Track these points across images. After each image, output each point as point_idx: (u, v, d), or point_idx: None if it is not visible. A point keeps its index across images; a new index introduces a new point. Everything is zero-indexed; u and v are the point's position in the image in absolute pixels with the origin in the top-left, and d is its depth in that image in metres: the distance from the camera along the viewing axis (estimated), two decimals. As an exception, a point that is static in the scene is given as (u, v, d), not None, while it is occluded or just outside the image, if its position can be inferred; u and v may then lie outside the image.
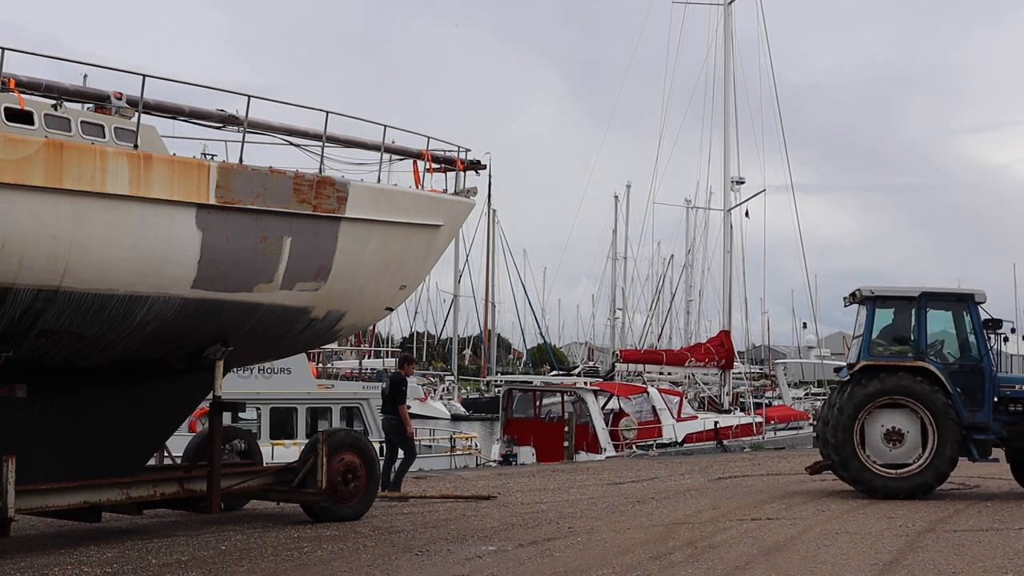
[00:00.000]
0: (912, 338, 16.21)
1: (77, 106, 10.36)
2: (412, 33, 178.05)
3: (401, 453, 15.91)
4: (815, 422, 17.96)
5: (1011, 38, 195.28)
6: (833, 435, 15.77)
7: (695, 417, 30.16)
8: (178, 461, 13.06)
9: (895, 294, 16.57)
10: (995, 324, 16.36)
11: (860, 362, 16.05)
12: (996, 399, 16.14)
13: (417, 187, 13.20)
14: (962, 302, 16.41)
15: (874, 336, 16.36)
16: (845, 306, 17.39)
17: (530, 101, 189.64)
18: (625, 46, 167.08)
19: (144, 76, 10.32)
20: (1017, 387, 16.42)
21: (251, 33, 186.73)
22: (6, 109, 9.50)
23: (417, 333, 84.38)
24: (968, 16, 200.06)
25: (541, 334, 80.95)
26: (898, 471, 15.65)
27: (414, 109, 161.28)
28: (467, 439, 27.92)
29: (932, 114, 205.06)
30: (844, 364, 17.51)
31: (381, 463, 15.89)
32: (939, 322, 16.56)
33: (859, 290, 16.70)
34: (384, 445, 16.74)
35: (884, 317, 16.54)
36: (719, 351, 33.04)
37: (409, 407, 16.29)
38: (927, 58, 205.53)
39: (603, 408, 27.65)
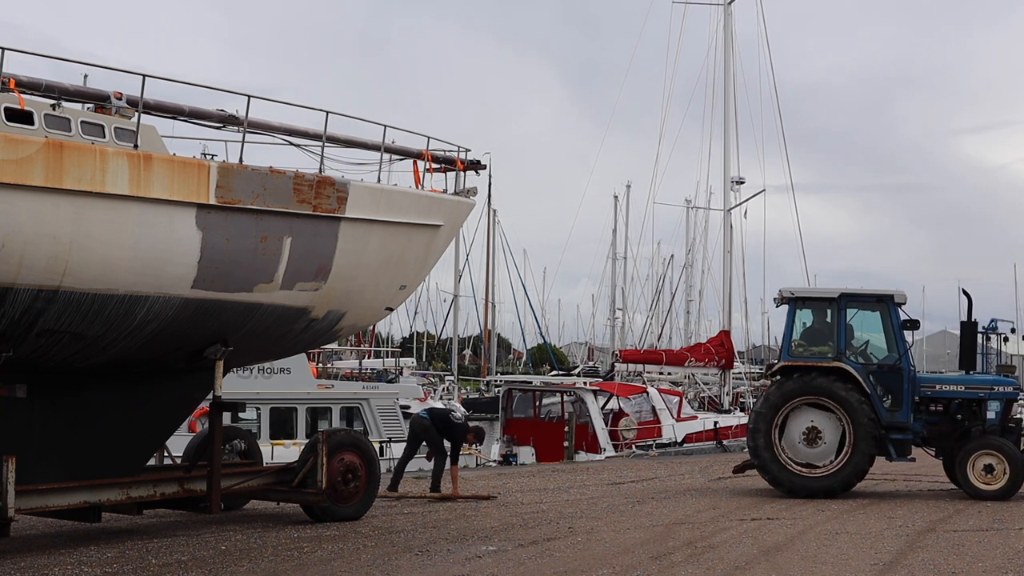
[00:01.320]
0: (832, 339, 16.39)
1: (77, 106, 10.35)
2: (412, 33, 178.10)
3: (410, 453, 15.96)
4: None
5: (1011, 38, 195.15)
6: (753, 434, 15.87)
7: (695, 417, 30.18)
8: (178, 461, 13.06)
9: (815, 295, 16.88)
10: (912, 325, 16.59)
11: (780, 362, 16.22)
12: (917, 399, 16.34)
13: (417, 187, 13.20)
14: (882, 303, 16.63)
15: (797, 337, 16.57)
16: (776, 307, 17.61)
17: (530, 101, 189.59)
18: (625, 46, 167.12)
19: (144, 76, 10.32)
20: (938, 387, 16.63)
21: (251, 33, 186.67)
22: (6, 109, 9.49)
23: (417, 333, 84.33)
24: (968, 16, 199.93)
25: (541, 334, 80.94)
26: (816, 470, 15.80)
27: (414, 109, 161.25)
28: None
29: (932, 114, 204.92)
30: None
31: (394, 463, 16.00)
32: (861, 323, 16.78)
33: (780, 291, 16.92)
34: (405, 445, 16.66)
35: (807, 318, 16.75)
36: (719, 351, 33.05)
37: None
38: (927, 58, 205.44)
39: (603, 408, 27.65)
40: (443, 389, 63.62)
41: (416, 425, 15.90)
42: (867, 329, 16.73)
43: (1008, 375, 19.69)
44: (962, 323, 17.27)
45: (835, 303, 16.41)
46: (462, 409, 16.10)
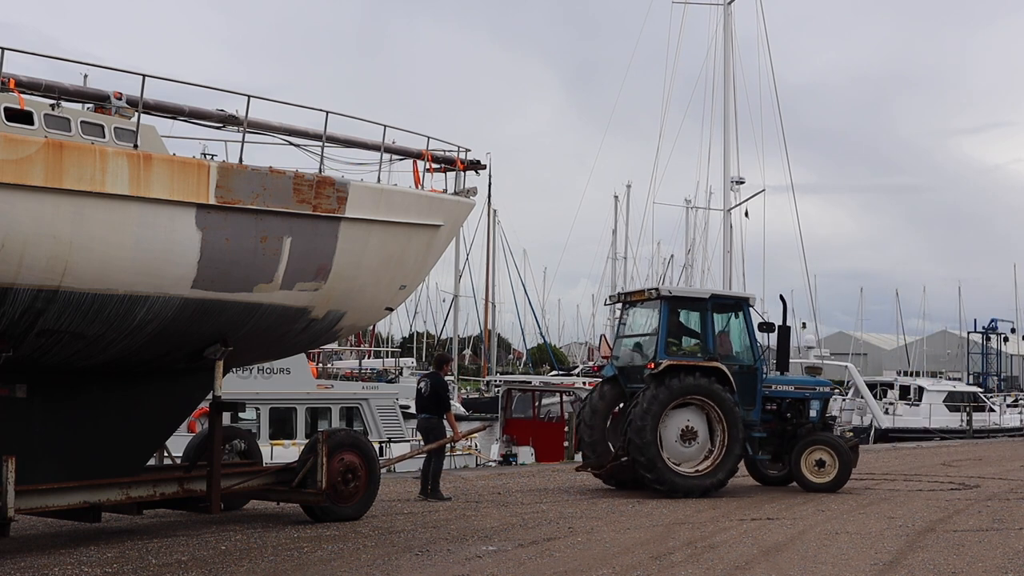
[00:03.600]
0: (701, 338, 16.75)
1: (77, 106, 10.35)
2: (410, 33, 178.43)
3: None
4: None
5: (1009, 38, 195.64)
6: (639, 436, 15.71)
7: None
8: (178, 461, 13.06)
9: (688, 295, 17.23)
10: (768, 327, 17.52)
11: (662, 362, 16.04)
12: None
13: (417, 187, 13.20)
14: (739, 305, 17.13)
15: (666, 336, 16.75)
16: (605, 305, 17.91)
17: (529, 101, 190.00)
18: (624, 46, 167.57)
19: (144, 76, 10.31)
20: (774, 387, 17.33)
21: (249, 34, 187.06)
22: (6, 109, 9.49)
23: (417, 333, 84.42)
24: (966, 17, 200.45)
25: (541, 334, 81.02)
26: (692, 469, 16.00)
27: (413, 109, 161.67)
28: (467, 439, 27.86)
29: (929, 114, 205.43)
30: (607, 364, 18.22)
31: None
32: (724, 324, 17.21)
33: (657, 289, 17.18)
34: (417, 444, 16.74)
35: (676, 317, 16.91)
36: (718, 351, 32.97)
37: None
38: (924, 58, 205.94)
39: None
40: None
41: (423, 425, 15.89)
42: (731, 329, 17.14)
43: (816, 375, 20.82)
44: (778, 327, 17.78)
45: (705, 304, 16.73)
46: (425, 380, 16.17)
